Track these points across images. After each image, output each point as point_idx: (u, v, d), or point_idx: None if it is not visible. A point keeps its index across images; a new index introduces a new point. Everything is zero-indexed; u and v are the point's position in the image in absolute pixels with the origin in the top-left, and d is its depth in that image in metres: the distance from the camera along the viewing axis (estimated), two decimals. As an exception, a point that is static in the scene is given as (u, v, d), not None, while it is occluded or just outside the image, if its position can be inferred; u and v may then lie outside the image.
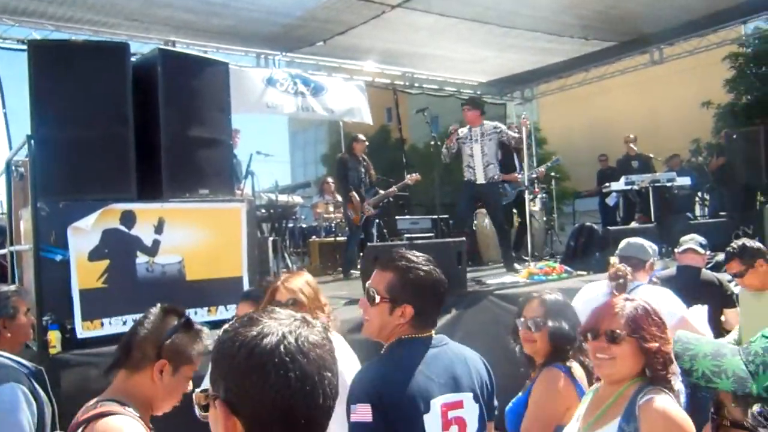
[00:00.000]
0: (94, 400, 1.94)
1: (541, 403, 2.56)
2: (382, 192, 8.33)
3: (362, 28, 8.79)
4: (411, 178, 8.24)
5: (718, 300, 4.34)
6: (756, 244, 4.06)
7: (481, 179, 6.92)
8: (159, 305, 2.09)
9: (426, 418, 1.96)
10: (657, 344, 2.06)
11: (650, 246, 3.87)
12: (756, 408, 0.95)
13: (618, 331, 2.07)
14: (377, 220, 8.67)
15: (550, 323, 2.68)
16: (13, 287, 3.12)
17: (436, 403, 1.99)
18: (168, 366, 1.98)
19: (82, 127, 3.66)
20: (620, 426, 2.00)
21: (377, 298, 2.08)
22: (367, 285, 2.15)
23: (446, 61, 10.95)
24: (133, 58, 4.23)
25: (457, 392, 2.06)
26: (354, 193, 7.98)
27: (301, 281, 2.85)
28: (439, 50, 10.14)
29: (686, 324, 3.38)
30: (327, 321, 2.76)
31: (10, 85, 8.35)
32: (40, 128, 3.63)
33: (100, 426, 1.77)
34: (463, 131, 7.05)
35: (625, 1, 8.70)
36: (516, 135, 7.15)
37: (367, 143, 8.48)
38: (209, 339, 2.10)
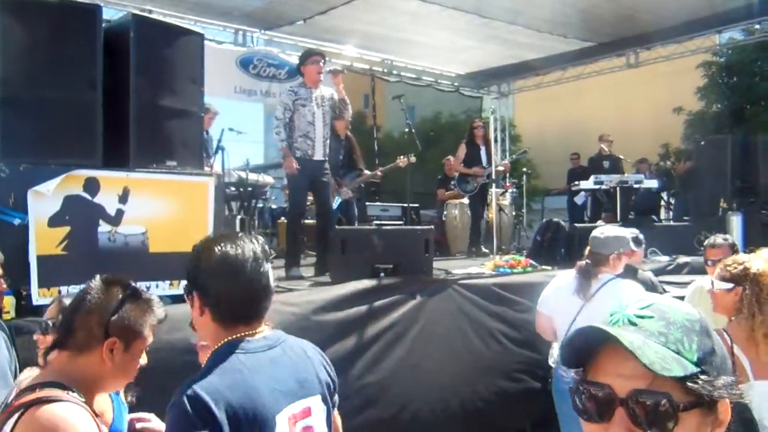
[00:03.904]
0: (29, 380, 1.77)
1: None
2: (368, 173, 7.98)
3: (343, 9, 8.72)
4: (402, 160, 7.45)
5: None
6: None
7: (318, 155, 5.78)
8: (98, 276, 1.88)
9: None
10: None
11: (616, 237, 3.79)
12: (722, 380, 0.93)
13: None
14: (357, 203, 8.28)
15: None
16: None
17: (283, 417, 1.66)
18: (119, 343, 1.79)
19: (48, 89, 3.54)
20: None
21: (186, 294, 1.77)
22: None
23: (426, 49, 10.93)
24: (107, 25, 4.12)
25: (304, 398, 1.74)
26: None
27: None
28: (419, 36, 10.12)
29: None
30: None
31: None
32: (3, 86, 3.50)
33: (42, 414, 1.61)
34: (300, 90, 5.74)
35: (607, 3, 8.78)
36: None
37: (346, 119, 7.78)
38: (161, 308, 1.93)
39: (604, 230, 3.87)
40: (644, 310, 0.99)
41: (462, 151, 8.92)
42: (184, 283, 1.84)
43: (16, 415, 1.62)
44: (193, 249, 1.79)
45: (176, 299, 3.89)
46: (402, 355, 4.34)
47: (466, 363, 4.69)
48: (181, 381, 1.82)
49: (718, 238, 4.26)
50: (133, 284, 1.90)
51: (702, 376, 0.91)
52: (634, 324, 0.97)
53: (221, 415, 1.53)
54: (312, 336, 3.89)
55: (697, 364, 0.92)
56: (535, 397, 4.73)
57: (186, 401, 1.53)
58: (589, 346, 0.97)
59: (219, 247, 1.72)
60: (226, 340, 1.70)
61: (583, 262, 3.78)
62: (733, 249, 4.14)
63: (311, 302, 4.08)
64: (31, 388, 1.70)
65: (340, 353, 4.02)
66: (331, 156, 7.71)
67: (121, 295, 1.84)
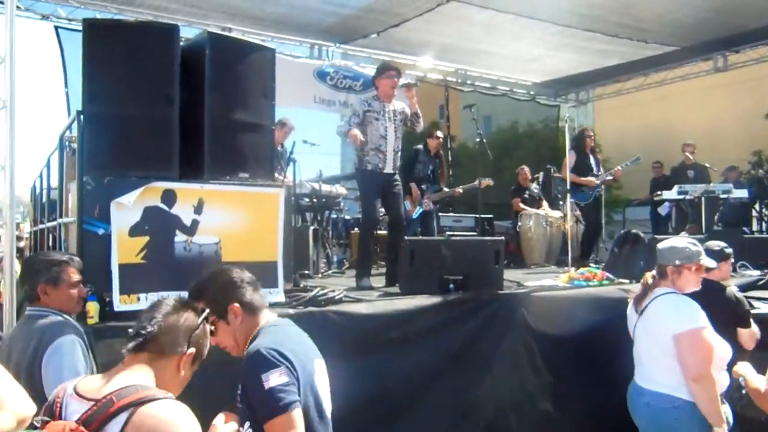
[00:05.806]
0: (121, 382, 1.77)
1: None
2: (446, 190, 8.33)
3: (416, 21, 8.77)
4: (482, 183, 7.54)
5: (731, 317, 4.12)
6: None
7: (389, 168, 5.80)
8: (174, 298, 2.03)
9: (315, 378, 2.25)
10: None
11: (672, 248, 3.59)
12: None
13: None
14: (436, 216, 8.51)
15: None
16: (66, 256, 3.16)
17: (318, 364, 2.31)
18: (192, 357, 1.93)
19: (129, 105, 3.73)
20: None
21: (212, 326, 2.19)
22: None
23: (500, 59, 10.82)
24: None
25: (319, 358, 2.35)
26: (413, 185, 7.88)
27: None
28: (493, 47, 10.04)
29: (697, 336, 3.27)
30: None
31: (77, 65, 8.64)
32: (89, 104, 3.72)
33: (156, 411, 1.67)
34: (373, 103, 5.77)
35: (688, 6, 8.42)
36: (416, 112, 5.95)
37: (440, 139, 8.35)
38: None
39: (667, 241, 3.72)
40: None
41: (571, 158, 8.36)
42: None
43: (124, 415, 1.65)
44: (211, 279, 2.40)
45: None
46: (466, 369, 4.27)
47: (530, 379, 4.54)
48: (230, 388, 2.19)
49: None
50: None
51: None
52: None
53: (290, 355, 2.15)
54: (375, 349, 3.93)
55: None
56: (606, 415, 4.51)
57: (262, 350, 2.14)
58: None
59: (223, 271, 2.47)
60: (265, 322, 2.34)
61: (649, 274, 3.67)
62: None
63: (377, 316, 4.08)
64: (129, 388, 1.72)
65: (403, 367, 4.02)
66: (420, 168, 7.94)
67: (202, 316, 2.04)
